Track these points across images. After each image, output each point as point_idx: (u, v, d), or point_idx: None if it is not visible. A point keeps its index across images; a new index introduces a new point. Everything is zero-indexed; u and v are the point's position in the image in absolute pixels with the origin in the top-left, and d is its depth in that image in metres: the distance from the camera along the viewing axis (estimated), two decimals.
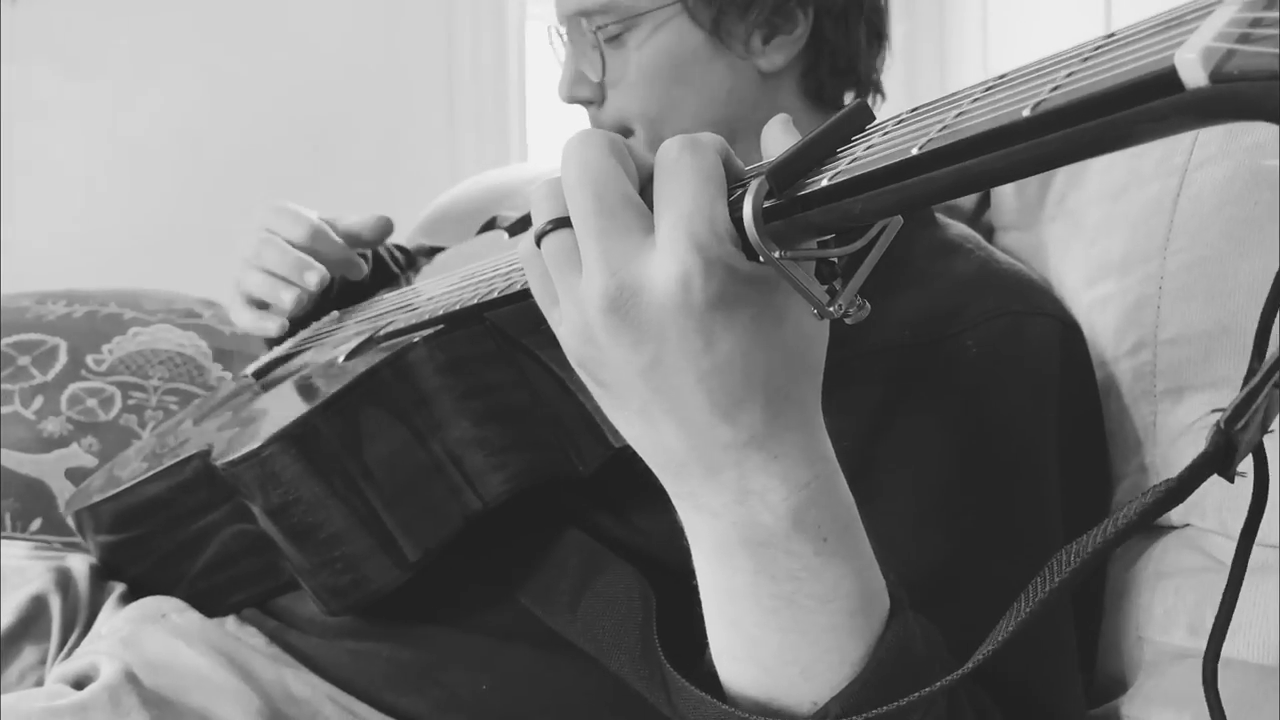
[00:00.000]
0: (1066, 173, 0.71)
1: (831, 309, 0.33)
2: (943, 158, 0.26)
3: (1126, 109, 0.22)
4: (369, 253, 0.87)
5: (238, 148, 1.76)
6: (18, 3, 1.61)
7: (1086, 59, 0.25)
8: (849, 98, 0.75)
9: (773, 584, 0.37)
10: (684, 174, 0.33)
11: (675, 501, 0.38)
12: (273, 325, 0.72)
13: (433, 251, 0.91)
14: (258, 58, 1.78)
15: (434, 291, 0.64)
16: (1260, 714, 0.50)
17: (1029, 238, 0.75)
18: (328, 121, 1.83)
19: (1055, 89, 0.24)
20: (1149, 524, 0.30)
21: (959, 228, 0.68)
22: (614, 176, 0.34)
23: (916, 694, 0.34)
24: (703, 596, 0.40)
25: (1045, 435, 0.57)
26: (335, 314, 0.76)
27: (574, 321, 0.35)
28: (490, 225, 0.88)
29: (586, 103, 0.72)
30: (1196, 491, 0.55)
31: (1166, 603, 0.55)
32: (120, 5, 1.70)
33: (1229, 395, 0.53)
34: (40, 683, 0.60)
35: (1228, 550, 0.54)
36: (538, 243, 0.36)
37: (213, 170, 1.73)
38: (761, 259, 0.31)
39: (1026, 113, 0.24)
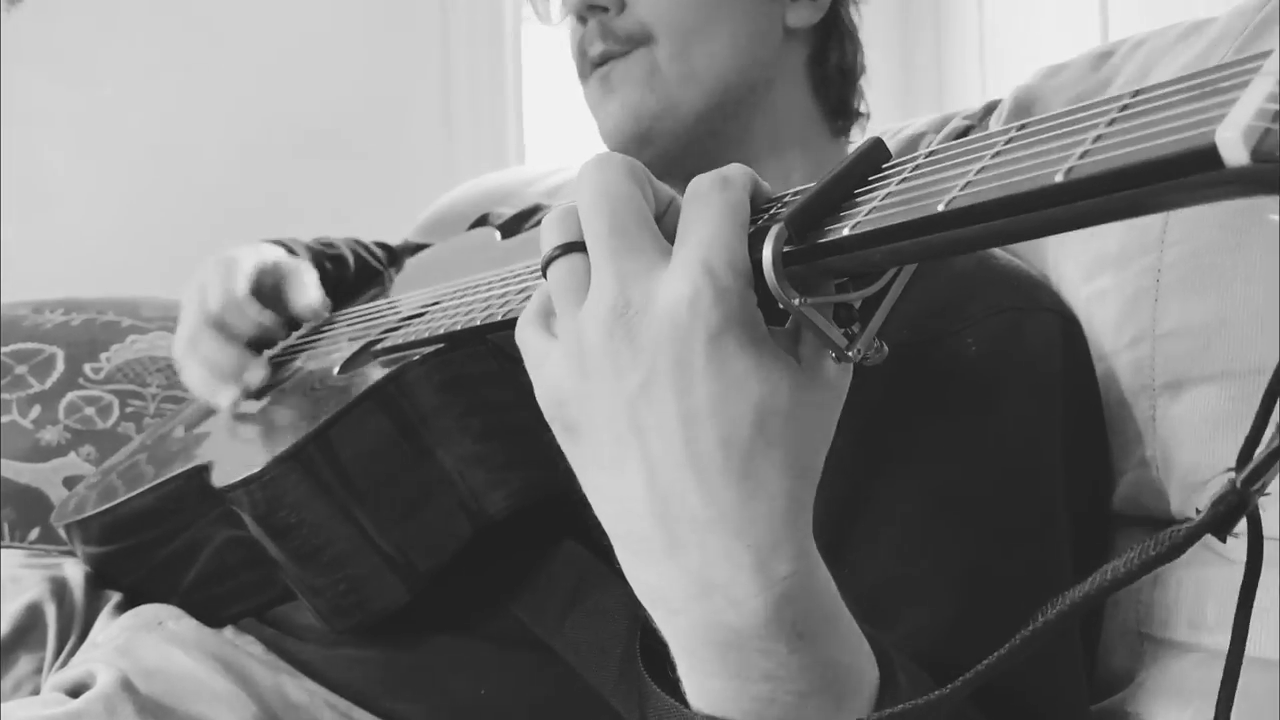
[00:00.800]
0: None
1: (850, 353, 0.32)
2: (968, 217, 0.26)
3: (1163, 181, 0.22)
4: (347, 253, 0.86)
5: (235, 154, 1.76)
6: (14, 9, 1.61)
7: (1113, 121, 0.25)
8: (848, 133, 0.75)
9: (749, 686, 0.33)
10: (712, 207, 0.32)
11: (638, 595, 0.35)
12: (224, 403, 0.68)
13: (419, 249, 0.90)
14: (254, 64, 1.78)
15: (428, 299, 0.63)
16: (1262, 710, 0.50)
17: None
18: (325, 127, 1.83)
19: (1084, 155, 0.24)
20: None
21: None
22: (632, 199, 0.33)
23: None
24: (687, 696, 0.37)
25: (1050, 433, 0.56)
26: (324, 315, 0.75)
27: (568, 347, 0.33)
28: (482, 222, 0.87)
29: (601, 9, 0.66)
30: (1196, 485, 0.55)
31: (1167, 598, 0.55)
32: (119, 12, 1.70)
33: (1228, 388, 0.53)
34: (36, 692, 0.60)
35: (1229, 544, 0.53)
36: (544, 270, 0.35)
37: (210, 177, 1.73)
38: (780, 305, 0.31)
39: (1059, 179, 0.24)
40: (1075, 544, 0.55)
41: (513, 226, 0.76)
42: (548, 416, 0.35)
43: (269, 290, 0.73)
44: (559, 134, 2.08)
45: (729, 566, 0.32)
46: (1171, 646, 0.54)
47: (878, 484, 0.52)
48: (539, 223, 0.74)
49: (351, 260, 0.86)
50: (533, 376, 0.36)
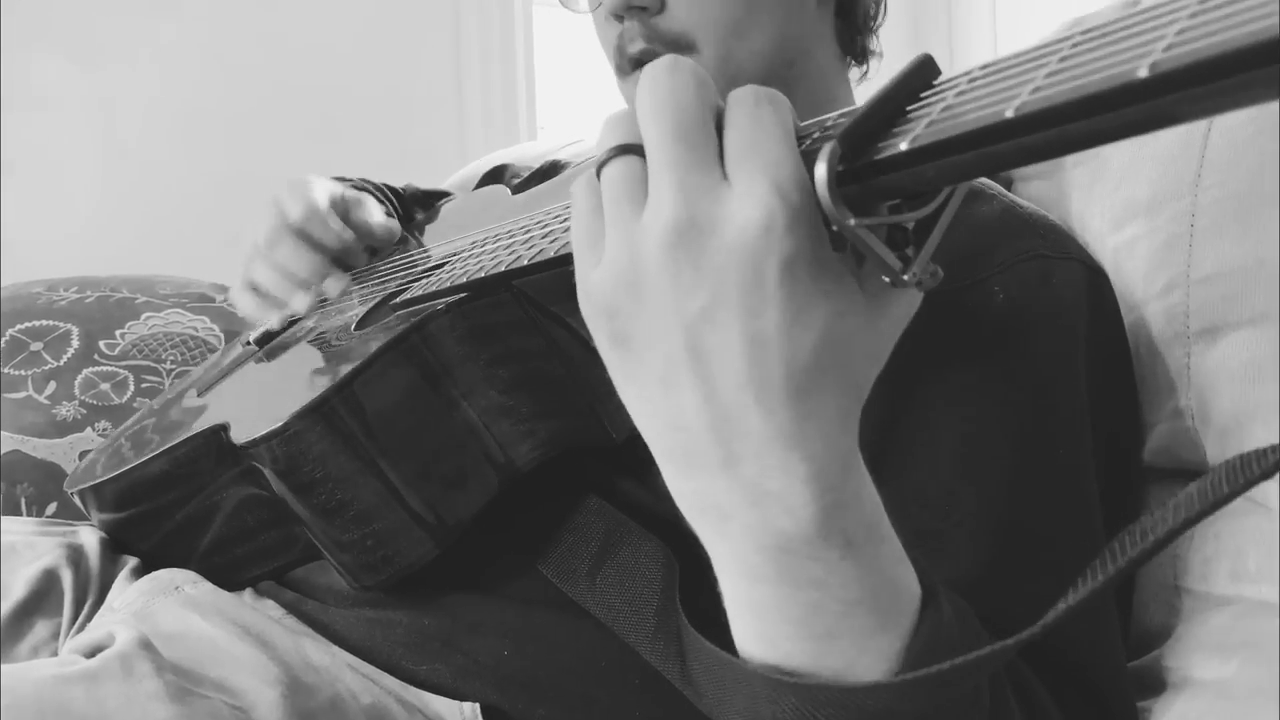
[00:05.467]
0: None
1: (906, 276, 0.31)
2: (1043, 120, 0.24)
3: (1262, 67, 0.20)
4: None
5: (244, 134, 1.75)
6: None
7: (1195, 14, 0.23)
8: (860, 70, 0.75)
9: (798, 592, 0.34)
10: (766, 123, 0.31)
11: (681, 506, 0.35)
12: (275, 320, 0.70)
13: (426, 197, 0.89)
14: (263, 40, 1.77)
15: (444, 254, 0.62)
16: None
17: (1051, 186, 0.73)
18: (335, 105, 1.82)
19: (1169, 48, 0.22)
20: (1235, 498, 0.28)
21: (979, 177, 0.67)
22: (699, 107, 0.32)
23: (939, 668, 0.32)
24: (726, 607, 0.37)
25: (1075, 382, 0.55)
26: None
27: (619, 258, 0.32)
28: (496, 174, 0.86)
29: (641, 9, 0.65)
30: (1235, 435, 0.54)
31: (1206, 550, 0.53)
32: None
33: (1268, 331, 0.52)
34: (54, 656, 0.59)
35: (1271, 493, 0.52)
36: (598, 172, 0.33)
37: (220, 155, 1.73)
38: (835, 226, 0.30)
39: (1143, 73, 0.22)
40: (1105, 498, 0.54)
41: (528, 184, 0.75)
42: (590, 324, 0.34)
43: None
44: (570, 112, 2.07)
45: (784, 477, 0.32)
46: (1211, 599, 0.52)
47: (904, 434, 0.51)
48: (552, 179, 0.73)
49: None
50: (578, 280, 0.34)
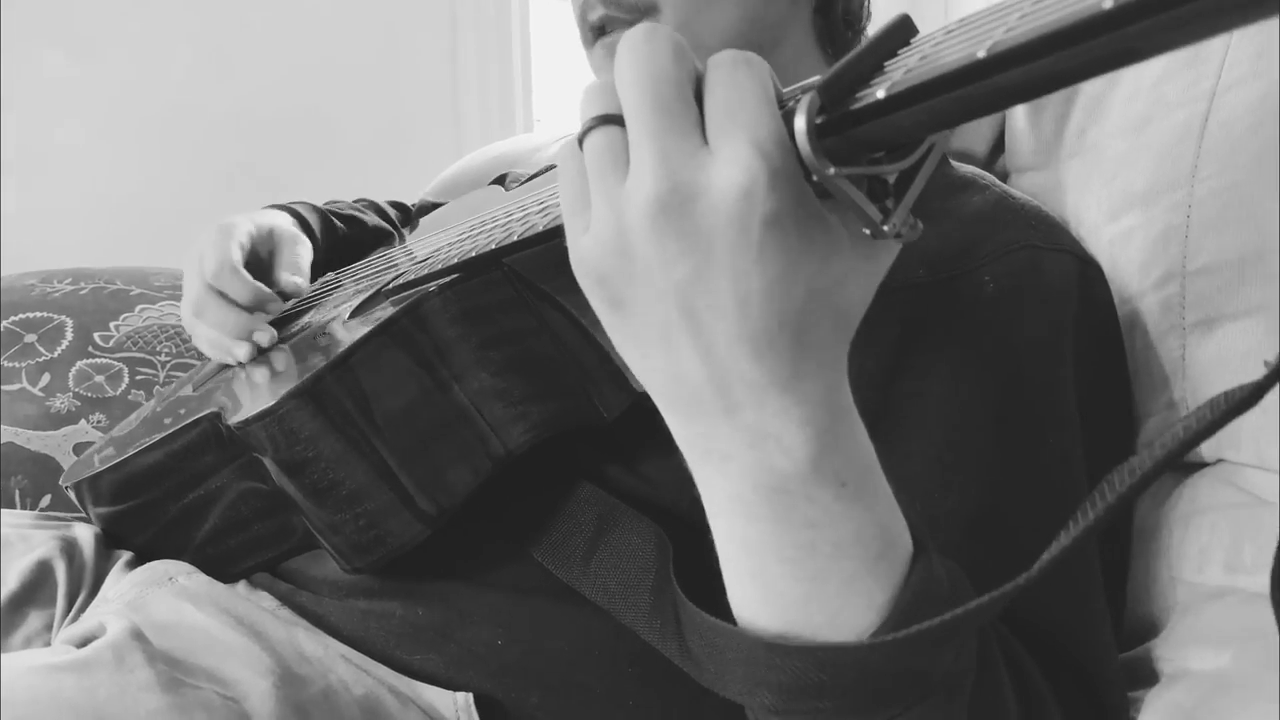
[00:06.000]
0: (1086, 107, 0.69)
1: (886, 227, 0.31)
2: (1013, 59, 0.25)
3: None
4: (362, 215, 0.86)
5: (241, 126, 1.74)
6: None
7: None
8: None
9: (791, 532, 0.35)
10: (745, 85, 0.31)
11: (684, 449, 0.36)
12: (241, 357, 0.67)
13: (434, 207, 0.90)
14: (260, 35, 1.77)
15: (439, 243, 0.62)
16: None
17: (1046, 178, 0.73)
18: (332, 97, 1.81)
19: None
20: (1212, 434, 0.28)
21: (971, 168, 0.67)
22: (676, 74, 0.32)
23: (932, 625, 0.33)
24: (720, 552, 0.38)
25: (1062, 373, 0.55)
26: (330, 275, 0.74)
27: (606, 227, 0.32)
28: (499, 183, 0.86)
29: None
30: (1229, 428, 0.54)
31: (1201, 541, 0.53)
32: None
33: (1264, 322, 0.52)
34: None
35: (1265, 484, 0.52)
36: (580, 141, 0.34)
37: (216, 149, 1.72)
38: (815, 176, 0.30)
39: (1108, 5, 0.22)
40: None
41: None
42: (584, 288, 0.34)
43: (265, 258, 0.73)
44: (567, 105, 2.06)
45: (781, 419, 0.33)
46: (1206, 590, 0.52)
47: (895, 423, 0.51)
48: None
49: (366, 219, 0.85)
50: (570, 245, 0.35)
